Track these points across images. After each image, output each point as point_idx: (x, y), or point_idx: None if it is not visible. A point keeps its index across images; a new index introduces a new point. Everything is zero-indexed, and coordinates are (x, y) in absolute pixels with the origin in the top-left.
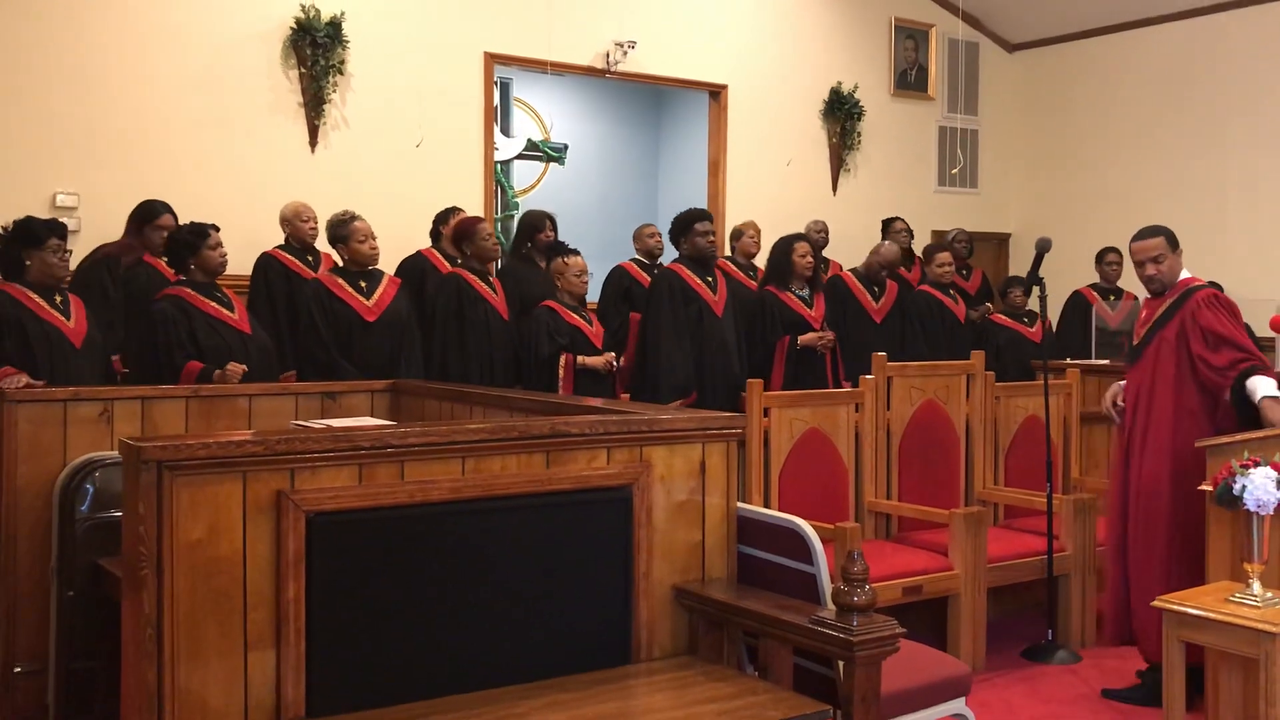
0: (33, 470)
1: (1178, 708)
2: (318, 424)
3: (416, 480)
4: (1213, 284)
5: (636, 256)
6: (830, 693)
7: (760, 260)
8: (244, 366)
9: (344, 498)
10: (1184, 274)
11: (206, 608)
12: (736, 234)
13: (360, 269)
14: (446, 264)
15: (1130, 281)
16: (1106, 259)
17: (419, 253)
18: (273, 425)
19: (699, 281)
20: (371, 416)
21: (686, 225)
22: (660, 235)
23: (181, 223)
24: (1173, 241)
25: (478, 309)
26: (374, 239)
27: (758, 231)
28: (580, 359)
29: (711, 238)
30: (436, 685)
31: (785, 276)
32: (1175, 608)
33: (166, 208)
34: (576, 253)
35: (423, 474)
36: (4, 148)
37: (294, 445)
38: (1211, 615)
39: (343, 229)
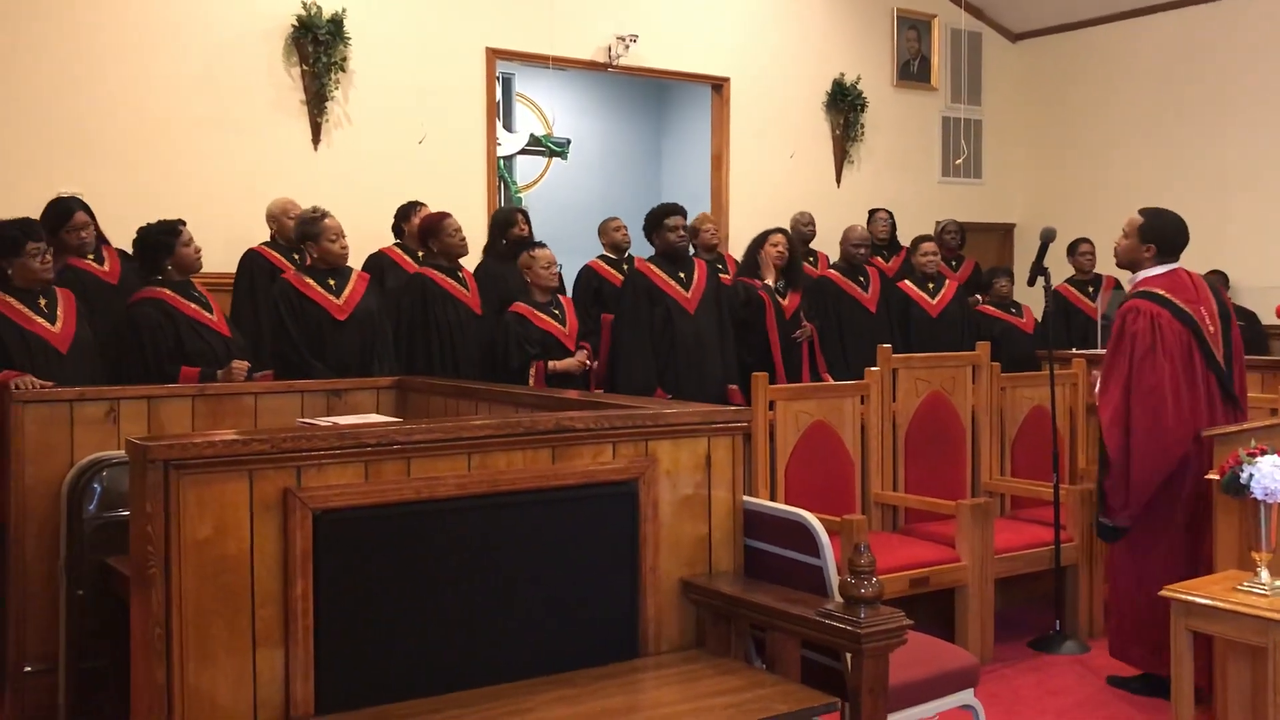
0: (40, 470)
1: (1186, 697)
2: (324, 422)
3: (423, 477)
4: (1148, 294)
5: (604, 253)
6: (838, 685)
7: (736, 252)
8: (247, 363)
9: (350, 495)
10: (1150, 272)
11: (214, 606)
12: (693, 231)
13: (329, 268)
14: (411, 261)
15: (1105, 266)
16: (1080, 249)
17: (380, 251)
18: (279, 423)
19: (667, 279)
20: (377, 413)
21: (657, 220)
22: (626, 228)
23: (190, 224)
24: (1148, 233)
25: (445, 308)
26: (344, 238)
27: (715, 224)
28: (551, 364)
29: (683, 233)
30: (444, 681)
31: (756, 269)
32: (1183, 597)
33: (79, 204)
34: (543, 245)
35: (429, 470)
36: (5, 148)
37: (300, 443)
38: (1219, 604)
39: (313, 227)
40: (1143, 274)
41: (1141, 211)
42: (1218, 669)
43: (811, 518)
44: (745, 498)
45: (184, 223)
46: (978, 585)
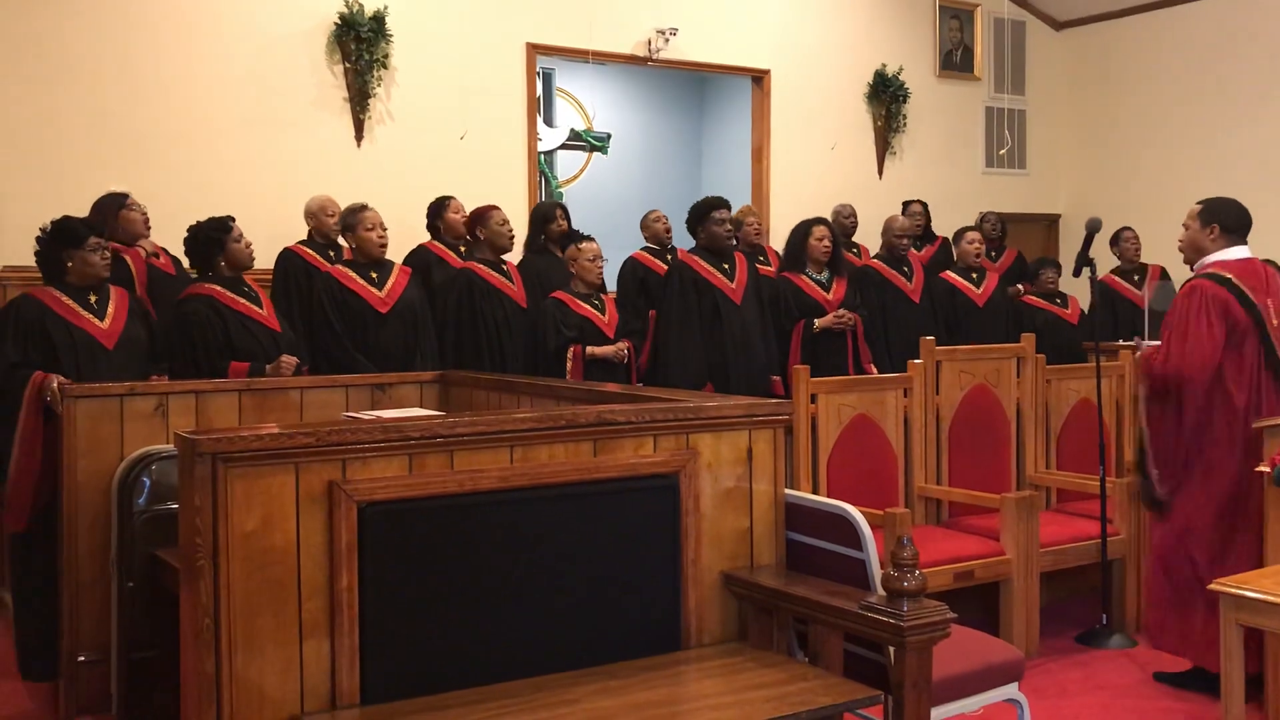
0: (91, 464)
1: (1237, 694)
2: (368, 415)
3: (466, 470)
4: (1214, 276)
5: (647, 244)
6: (881, 678)
7: (777, 245)
8: (295, 359)
9: (395, 487)
10: (1220, 256)
11: (262, 597)
12: (736, 223)
13: (369, 260)
14: (454, 255)
15: (1150, 255)
16: (1124, 237)
17: (422, 246)
18: (324, 417)
19: (713, 270)
20: (421, 407)
21: (703, 214)
22: (666, 219)
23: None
24: (1209, 215)
25: (491, 301)
26: (382, 229)
27: (759, 218)
28: (589, 349)
29: (728, 227)
30: (488, 672)
31: (801, 261)
32: (1234, 591)
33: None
34: (590, 239)
35: (472, 463)
36: (54, 147)
37: (345, 436)
38: (1272, 599)
39: (352, 218)
40: (1212, 257)
41: (1199, 201)
42: (1269, 663)
43: (854, 510)
44: (787, 490)
45: (234, 219)
46: (1023, 579)
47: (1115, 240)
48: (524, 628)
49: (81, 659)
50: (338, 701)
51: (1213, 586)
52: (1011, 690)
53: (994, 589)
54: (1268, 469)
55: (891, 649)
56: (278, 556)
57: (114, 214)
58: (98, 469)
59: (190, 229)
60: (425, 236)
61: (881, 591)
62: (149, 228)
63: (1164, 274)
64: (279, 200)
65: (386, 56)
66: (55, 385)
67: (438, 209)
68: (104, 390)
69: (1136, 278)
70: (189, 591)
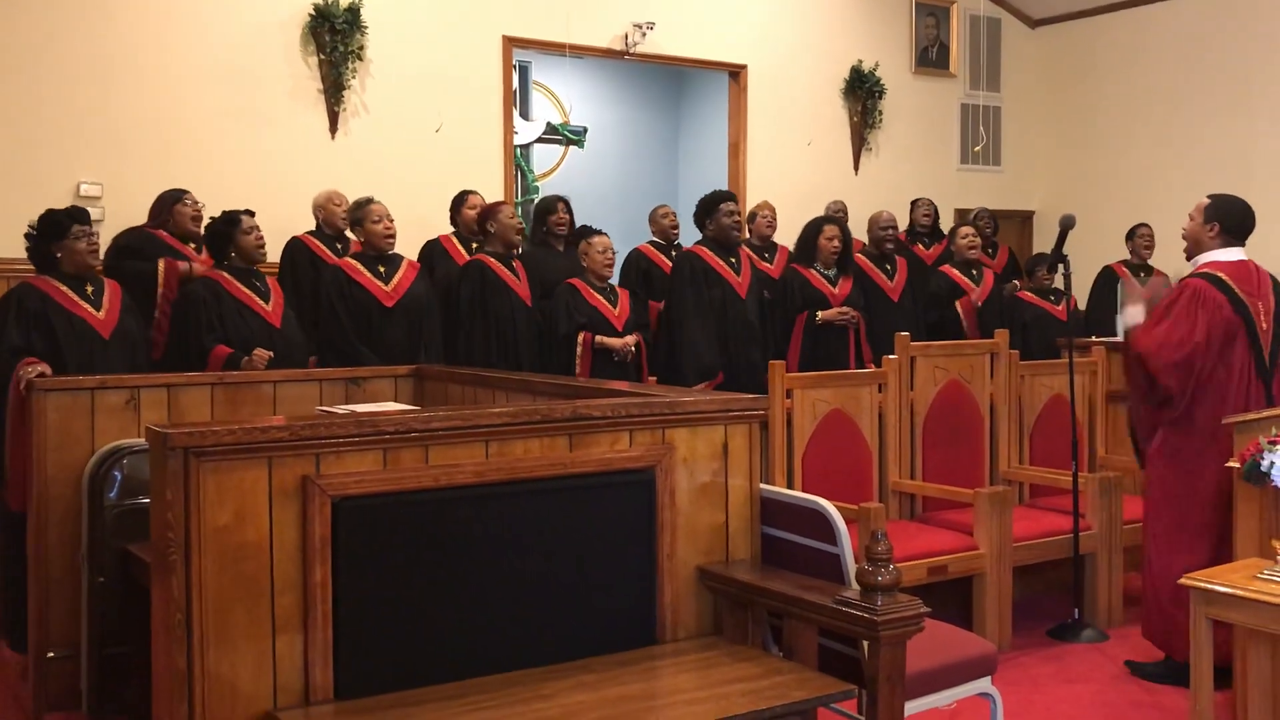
0: (62, 458)
1: (1205, 685)
2: (342, 410)
3: (441, 464)
4: (1209, 276)
5: (653, 239)
6: (855, 672)
7: (780, 239)
8: (270, 353)
9: (369, 482)
10: (1216, 255)
11: (234, 592)
12: (751, 216)
13: (377, 253)
14: (463, 251)
15: (1161, 259)
16: (1138, 234)
17: (436, 239)
18: (298, 411)
19: (721, 263)
20: (395, 402)
21: (711, 206)
22: (675, 216)
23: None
24: (1213, 212)
25: (501, 297)
26: (390, 221)
27: (773, 212)
28: (599, 338)
29: (736, 218)
30: (462, 667)
31: (811, 257)
32: (1203, 585)
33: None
34: (601, 233)
35: (447, 458)
36: (28, 138)
37: (319, 430)
38: (1239, 592)
39: (359, 211)
40: (1208, 255)
41: (1209, 195)
42: (1237, 657)
43: (829, 505)
44: (762, 485)
45: (249, 213)
46: (996, 573)
47: (1130, 236)
48: (499, 622)
49: (51, 654)
50: (311, 697)
51: (1183, 581)
52: (984, 684)
53: (967, 583)
54: (1238, 464)
55: (866, 643)
56: (251, 551)
57: (169, 208)
58: (68, 463)
59: (207, 225)
60: (404, 230)
61: (856, 586)
62: (198, 224)
63: (1166, 279)
64: (252, 192)
65: (361, 48)
66: (32, 375)
67: (458, 203)
68: (75, 384)
69: (1143, 275)
70: (160, 586)
